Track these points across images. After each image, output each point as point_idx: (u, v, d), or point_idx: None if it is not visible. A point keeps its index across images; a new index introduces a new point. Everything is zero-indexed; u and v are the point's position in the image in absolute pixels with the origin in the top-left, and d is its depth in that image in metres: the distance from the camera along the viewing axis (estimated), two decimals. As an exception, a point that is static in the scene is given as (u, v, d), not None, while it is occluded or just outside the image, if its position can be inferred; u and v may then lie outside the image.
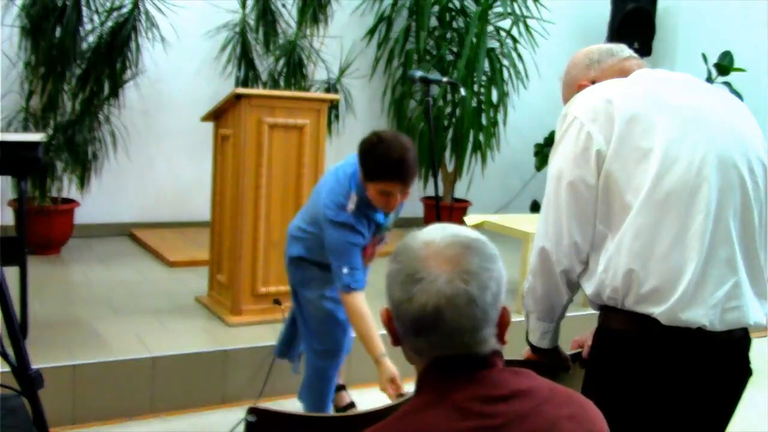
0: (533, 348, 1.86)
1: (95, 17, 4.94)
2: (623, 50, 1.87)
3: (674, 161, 1.59)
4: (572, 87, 1.87)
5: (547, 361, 1.86)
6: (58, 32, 4.71)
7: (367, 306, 2.64)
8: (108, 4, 4.97)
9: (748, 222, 1.64)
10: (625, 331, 1.64)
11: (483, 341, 1.14)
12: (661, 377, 1.61)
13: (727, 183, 1.61)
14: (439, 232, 1.17)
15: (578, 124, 1.67)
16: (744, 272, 1.62)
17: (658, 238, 1.58)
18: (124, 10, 4.97)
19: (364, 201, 2.64)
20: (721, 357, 1.63)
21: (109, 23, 4.96)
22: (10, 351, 2.08)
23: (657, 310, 1.58)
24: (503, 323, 1.17)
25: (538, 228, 1.76)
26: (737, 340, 1.65)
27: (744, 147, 1.66)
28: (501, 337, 1.18)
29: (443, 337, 1.11)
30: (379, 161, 2.53)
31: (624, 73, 1.81)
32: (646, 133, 1.61)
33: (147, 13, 5.01)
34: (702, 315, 1.57)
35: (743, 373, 1.70)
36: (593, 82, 1.82)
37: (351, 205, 2.63)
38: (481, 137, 6.06)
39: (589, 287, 1.70)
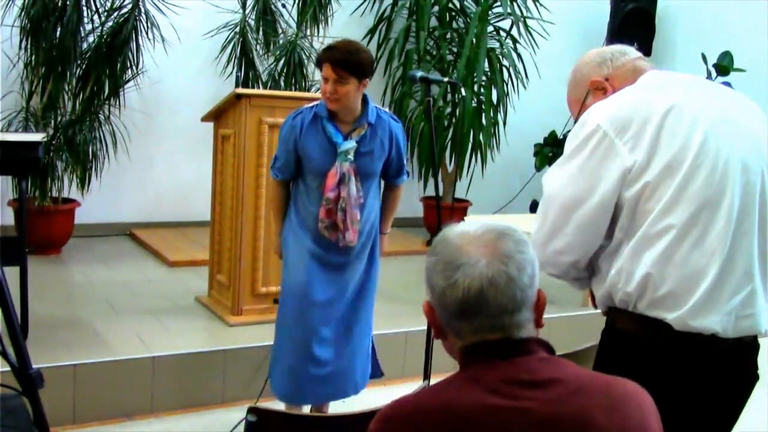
0: None
1: (95, 17, 4.95)
2: (632, 51, 1.86)
3: (698, 167, 1.57)
4: (583, 85, 1.84)
5: None
6: (58, 32, 4.72)
7: (285, 194, 2.95)
8: (108, 4, 4.97)
9: (766, 229, 1.63)
10: (634, 334, 1.63)
11: (521, 325, 1.18)
12: (668, 381, 1.60)
13: (749, 189, 1.60)
14: (471, 224, 1.23)
15: (601, 134, 1.62)
16: (759, 280, 1.61)
17: (678, 243, 1.56)
18: (125, 10, 4.97)
19: (324, 107, 2.81)
20: (730, 362, 1.62)
21: (110, 23, 4.96)
22: (10, 351, 2.08)
23: (670, 316, 1.57)
24: (540, 306, 1.22)
25: (533, 236, 1.71)
26: (747, 346, 1.64)
27: (765, 152, 1.65)
28: (538, 321, 1.22)
29: (486, 318, 1.16)
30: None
31: (637, 71, 1.78)
32: (671, 140, 1.59)
33: (147, 13, 5.01)
34: (716, 322, 1.56)
35: (751, 378, 1.69)
36: (606, 80, 1.80)
37: (312, 104, 2.87)
38: (481, 137, 6.06)
39: (599, 289, 1.69)
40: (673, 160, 1.58)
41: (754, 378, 1.70)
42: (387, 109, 2.97)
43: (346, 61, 2.72)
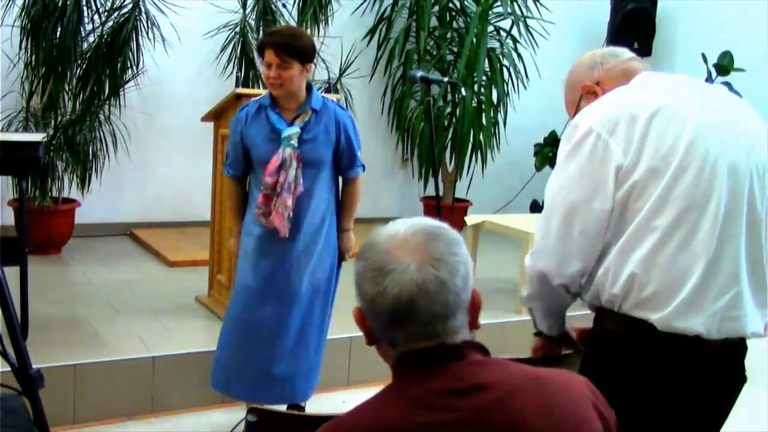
0: (541, 334, 1.86)
1: (95, 17, 4.95)
2: (625, 52, 1.86)
3: (686, 167, 1.58)
4: (575, 88, 1.85)
5: (558, 343, 1.87)
6: (58, 32, 4.72)
7: (238, 191, 3.01)
8: (108, 4, 4.97)
9: (755, 231, 1.63)
10: (620, 335, 1.63)
11: (455, 330, 1.14)
12: (654, 382, 1.60)
13: (737, 191, 1.60)
14: (400, 224, 1.18)
15: (594, 136, 1.61)
16: (746, 282, 1.61)
17: (664, 243, 1.57)
18: (125, 10, 4.97)
19: (268, 96, 2.85)
20: (715, 364, 1.62)
21: (110, 23, 4.96)
22: (10, 351, 2.08)
23: (654, 316, 1.57)
24: (475, 307, 1.17)
25: (537, 243, 1.71)
26: (733, 348, 1.64)
27: (755, 155, 1.65)
28: (473, 322, 1.18)
29: (419, 326, 1.12)
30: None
31: (628, 73, 1.78)
32: (659, 141, 1.59)
33: (147, 13, 5.02)
34: (700, 323, 1.56)
35: (737, 379, 1.69)
36: (597, 84, 1.80)
37: (258, 97, 2.92)
38: (481, 137, 6.06)
39: (586, 289, 1.69)
40: (660, 161, 1.58)
41: (740, 380, 1.70)
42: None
43: (289, 45, 2.72)
